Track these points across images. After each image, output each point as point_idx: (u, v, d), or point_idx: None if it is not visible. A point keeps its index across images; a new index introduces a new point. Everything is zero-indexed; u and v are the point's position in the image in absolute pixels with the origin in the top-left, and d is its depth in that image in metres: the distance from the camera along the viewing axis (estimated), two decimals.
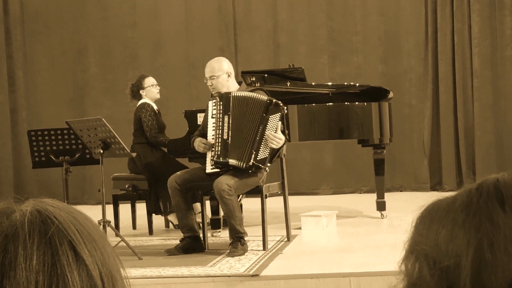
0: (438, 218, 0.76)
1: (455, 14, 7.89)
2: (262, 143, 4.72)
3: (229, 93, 4.81)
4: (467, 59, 7.89)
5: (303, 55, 8.12)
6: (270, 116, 4.71)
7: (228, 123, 4.75)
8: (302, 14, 8.25)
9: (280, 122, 4.74)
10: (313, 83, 6.08)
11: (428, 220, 0.77)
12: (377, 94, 6.04)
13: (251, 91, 4.95)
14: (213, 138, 4.80)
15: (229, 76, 4.93)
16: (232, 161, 4.71)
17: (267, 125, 4.71)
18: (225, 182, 4.60)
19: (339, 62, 8.22)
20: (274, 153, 4.82)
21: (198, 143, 4.87)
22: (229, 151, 4.72)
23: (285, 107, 4.80)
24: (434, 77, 8.00)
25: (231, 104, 4.76)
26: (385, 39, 8.16)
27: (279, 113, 4.74)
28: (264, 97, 4.77)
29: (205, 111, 5.07)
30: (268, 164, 4.81)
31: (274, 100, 4.72)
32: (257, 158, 4.71)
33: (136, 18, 8.43)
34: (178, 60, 8.35)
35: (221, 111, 4.77)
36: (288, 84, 5.91)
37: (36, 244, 0.78)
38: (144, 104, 5.90)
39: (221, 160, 4.72)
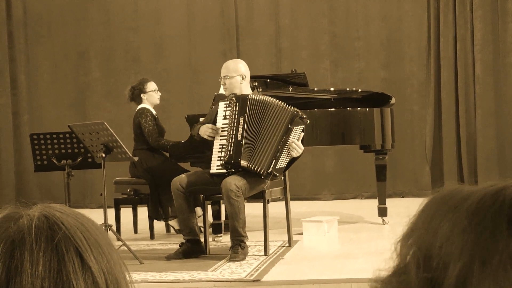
0: (443, 212, 0.72)
1: (458, 20, 7.90)
2: (284, 152, 4.72)
3: (247, 95, 4.81)
4: (469, 66, 7.89)
5: (305, 60, 8.12)
6: (294, 127, 4.72)
7: (243, 124, 4.75)
8: (304, 19, 8.26)
9: (302, 134, 4.76)
10: (315, 89, 6.09)
11: (434, 209, 0.74)
12: (379, 99, 6.04)
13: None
14: (222, 139, 4.79)
15: (243, 78, 4.91)
16: (244, 163, 4.70)
17: (291, 136, 4.72)
18: (234, 182, 4.60)
19: (341, 68, 8.22)
20: (291, 162, 4.83)
21: (205, 128, 4.82)
22: (241, 153, 4.72)
23: (308, 120, 4.81)
24: (436, 83, 8.00)
25: (247, 106, 4.76)
26: (387, 45, 8.16)
27: (303, 126, 4.75)
28: (290, 107, 4.76)
29: (212, 110, 5.04)
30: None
31: (300, 112, 4.73)
32: (276, 167, 4.71)
33: (138, 22, 8.44)
34: (180, 65, 8.36)
35: (236, 112, 4.76)
36: (291, 89, 5.91)
37: (42, 250, 0.78)
38: (144, 109, 5.89)
39: (233, 161, 4.71)
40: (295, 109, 4.76)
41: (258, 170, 4.70)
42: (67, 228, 0.81)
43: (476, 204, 0.70)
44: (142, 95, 5.94)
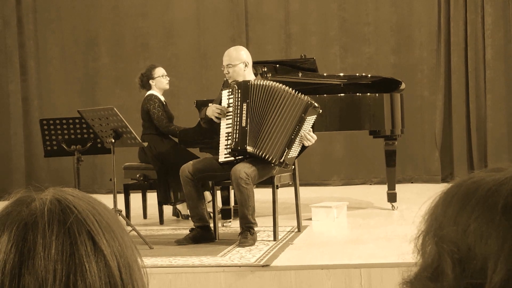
0: (471, 206, 0.67)
1: (468, 4, 7.84)
2: (296, 141, 4.70)
3: (248, 81, 4.79)
4: (480, 51, 7.84)
5: (315, 46, 8.09)
6: (307, 117, 4.70)
7: (247, 111, 4.73)
8: (313, 4, 8.21)
9: (313, 123, 4.75)
10: (325, 74, 6.07)
11: (459, 203, 0.69)
12: (389, 85, 6.01)
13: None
14: (228, 127, 4.79)
15: (246, 66, 4.90)
16: (250, 149, 4.69)
17: (304, 125, 4.70)
18: (244, 170, 4.59)
19: (351, 53, 8.18)
20: (302, 150, 4.82)
21: (213, 108, 4.81)
22: (247, 139, 4.71)
23: (321, 110, 4.78)
24: (446, 69, 7.96)
25: (249, 92, 4.74)
26: (397, 30, 8.11)
27: (315, 115, 4.73)
28: (303, 95, 4.73)
29: (217, 98, 5.04)
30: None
31: (314, 102, 4.69)
32: (288, 156, 4.70)
33: (147, 8, 8.42)
34: (189, 50, 8.34)
35: (239, 99, 4.74)
36: (300, 74, 5.90)
37: (55, 234, 0.79)
38: (151, 96, 5.90)
39: (239, 148, 4.70)
40: (309, 98, 4.72)
41: (268, 157, 4.68)
42: (79, 211, 0.81)
43: (510, 197, 0.66)
44: (150, 81, 5.95)
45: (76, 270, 0.78)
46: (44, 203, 0.81)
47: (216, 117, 4.81)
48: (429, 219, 0.70)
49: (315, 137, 4.75)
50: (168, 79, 6.03)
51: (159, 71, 5.99)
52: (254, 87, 4.75)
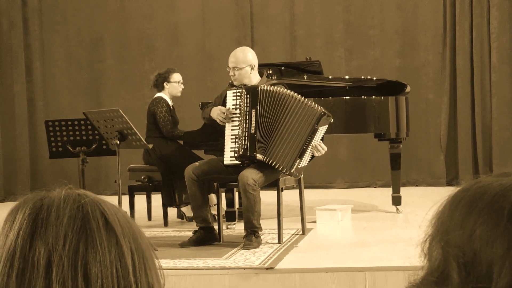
0: (477, 210, 0.67)
1: (474, 8, 7.83)
2: (307, 152, 4.69)
3: (257, 86, 4.76)
4: (485, 54, 7.82)
5: (320, 48, 8.09)
6: (320, 128, 4.69)
7: (256, 117, 4.71)
8: (319, 6, 8.21)
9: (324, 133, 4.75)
10: (330, 77, 6.07)
11: (467, 207, 0.69)
12: (394, 88, 6.01)
13: (272, 85, 4.89)
14: (234, 129, 4.77)
15: (252, 68, 4.87)
16: (259, 156, 4.67)
17: (315, 136, 4.68)
18: (251, 176, 4.57)
19: (356, 56, 8.18)
20: (310, 160, 4.82)
21: (218, 111, 4.77)
22: (256, 146, 4.69)
23: (332, 119, 4.76)
24: (452, 72, 7.95)
25: (258, 98, 4.71)
26: (403, 33, 8.11)
27: (327, 125, 4.72)
28: (316, 106, 4.70)
29: (219, 97, 5.02)
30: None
31: (326, 112, 4.66)
32: (298, 166, 4.70)
33: (152, 9, 8.43)
34: (194, 52, 8.35)
35: (248, 104, 4.71)
36: (305, 77, 5.90)
37: (68, 208, 0.83)
38: (160, 99, 5.90)
39: (248, 154, 4.69)
40: (322, 108, 4.68)
41: (278, 167, 4.65)
42: (94, 197, 0.86)
43: None
44: (165, 84, 5.97)
45: (87, 240, 0.81)
46: (61, 191, 0.87)
47: (220, 121, 4.79)
48: (436, 223, 0.71)
49: (325, 148, 4.73)
50: (183, 87, 6.05)
51: (177, 77, 6.01)
52: (263, 93, 4.71)
